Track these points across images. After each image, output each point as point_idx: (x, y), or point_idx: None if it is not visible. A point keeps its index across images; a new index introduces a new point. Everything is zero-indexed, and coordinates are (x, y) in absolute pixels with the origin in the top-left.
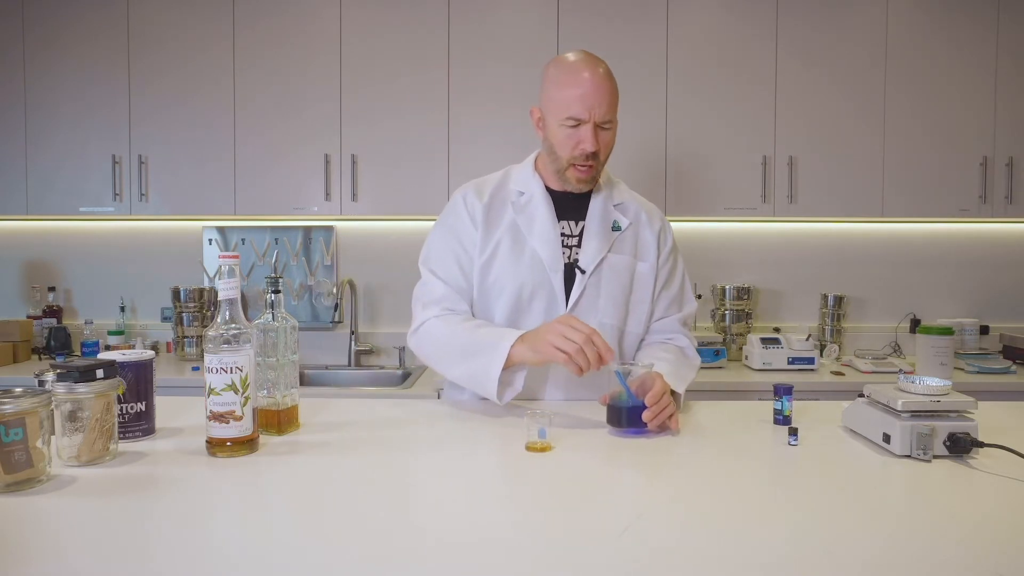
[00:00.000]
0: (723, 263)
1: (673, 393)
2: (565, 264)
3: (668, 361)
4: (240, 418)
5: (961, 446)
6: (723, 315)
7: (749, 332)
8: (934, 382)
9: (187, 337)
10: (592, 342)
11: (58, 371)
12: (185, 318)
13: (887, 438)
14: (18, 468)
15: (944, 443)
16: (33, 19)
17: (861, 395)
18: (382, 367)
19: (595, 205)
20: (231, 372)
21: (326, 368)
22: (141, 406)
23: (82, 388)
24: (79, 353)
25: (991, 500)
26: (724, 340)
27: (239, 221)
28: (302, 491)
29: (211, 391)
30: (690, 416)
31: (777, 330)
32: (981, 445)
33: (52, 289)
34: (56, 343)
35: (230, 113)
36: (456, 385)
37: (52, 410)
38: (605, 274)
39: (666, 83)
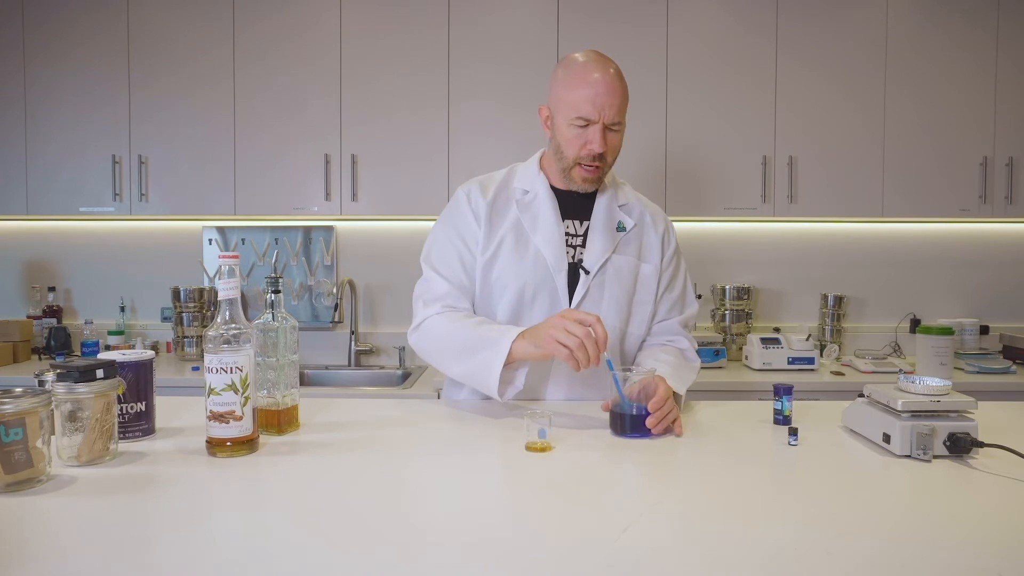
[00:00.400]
0: (723, 263)
1: (674, 395)
2: (569, 264)
3: (669, 363)
4: (240, 418)
5: (961, 446)
6: (723, 315)
7: (749, 332)
8: (934, 382)
9: (187, 337)
10: (592, 335)
11: (58, 371)
12: (185, 318)
13: (887, 438)
14: (18, 468)
15: (944, 443)
16: (33, 19)
17: (861, 395)
18: (382, 367)
19: (600, 205)
20: (231, 372)
21: (326, 368)
22: (141, 406)
23: (82, 388)
24: (79, 353)
25: (991, 500)
26: (724, 340)
27: (239, 221)
28: (302, 491)
29: (211, 391)
30: (690, 416)
31: (777, 330)
32: (981, 445)
33: (52, 289)
34: (56, 343)
35: (230, 113)
36: (455, 384)
37: (52, 410)
38: (609, 275)
39: (666, 83)
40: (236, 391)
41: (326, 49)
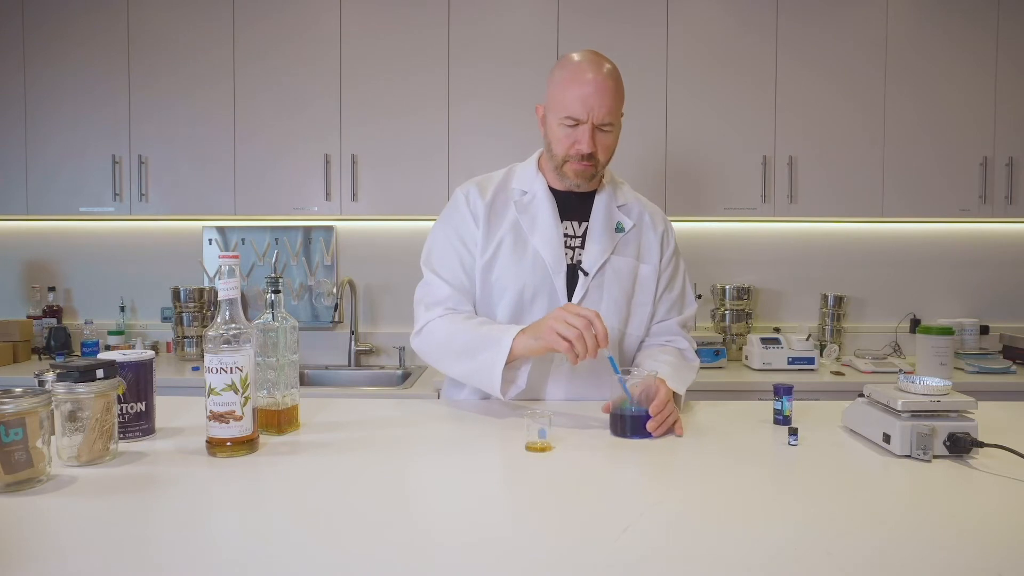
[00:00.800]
0: (723, 263)
1: (674, 395)
2: (568, 265)
3: (669, 364)
4: (240, 418)
5: (961, 446)
6: (723, 315)
7: (749, 332)
8: (934, 382)
9: (187, 337)
10: (592, 326)
11: (58, 371)
12: (185, 318)
13: (887, 438)
14: (18, 468)
15: (944, 443)
16: (33, 19)
17: (861, 395)
18: (382, 367)
19: (599, 206)
20: (231, 372)
21: (326, 368)
22: (141, 406)
23: (82, 388)
24: (79, 353)
25: (991, 500)
26: (724, 340)
27: (239, 221)
28: (302, 491)
29: (211, 391)
30: (690, 416)
31: (777, 330)
32: (981, 445)
33: (52, 289)
34: (56, 343)
35: (230, 113)
36: (455, 384)
37: (52, 410)
38: (608, 276)
39: (666, 83)
40: (236, 391)
41: (326, 49)
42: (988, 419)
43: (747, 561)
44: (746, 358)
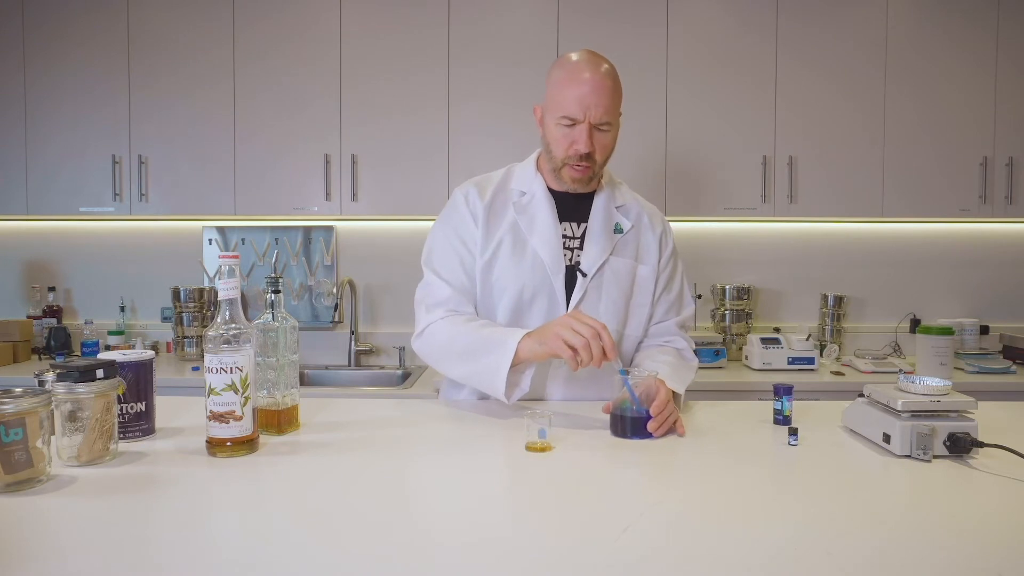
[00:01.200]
0: (723, 263)
1: (674, 395)
2: (566, 266)
3: (668, 364)
4: (240, 418)
5: (961, 446)
6: (723, 315)
7: (749, 332)
8: (934, 382)
9: (187, 337)
10: (600, 337)
11: (58, 371)
12: (185, 318)
13: (887, 438)
14: (18, 468)
15: (944, 443)
16: (33, 19)
17: (861, 395)
18: (382, 367)
19: (597, 207)
20: (231, 372)
21: (326, 368)
22: (141, 406)
23: (82, 388)
24: (79, 353)
25: (991, 500)
26: (724, 340)
27: (239, 221)
28: (302, 491)
29: (211, 391)
30: (690, 416)
31: (777, 330)
32: (981, 445)
33: (52, 289)
34: (56, 343)
35: (230, 113)
36: (454, 384)
37: (52, 410)
38: (606, 277)
39: (666, 83)
40: (236, 391)
41: (326, 49)
42: (988, 419)
43: (747, 561)
44: (746, 358)
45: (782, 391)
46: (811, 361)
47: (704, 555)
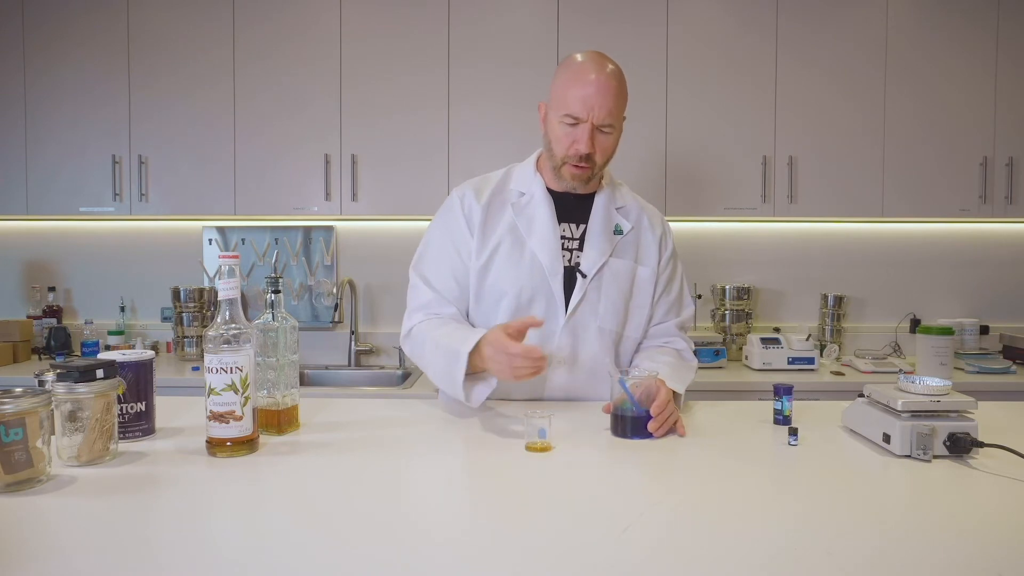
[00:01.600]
0: (723, 263)
1: (674, 395)
2: (565, 267)
3: (667, 364)
4: (240, 418)
5: (961, 446)
6: (723, 315)
7: (749, 332)
8: (934, 382)
9: (187, 337)
10: (537, 364)
11: (58, 371)
12: (185, 318)
13: (887, 438)
14: (18, 468)
15: (944, 443)
16: (33, 19)
17: (861, 395)
18: (382, 367)
19: (597, 208)
20: (231, 372)
21: (326, 368)
22: (141, 406)
23: (82, 388)
24: (79, 353)
25: (991, 500)
26: (724, 340)
27: (239, 221)
28: (302, 491)
29: (211, 391)
30: (690, 416)
31: (777, 330)
32: (981, 445)
33: (52, 289)
34: (56, 343)
35: (230, 113)
36: None
37: (52, 410)
38: (606, 278)
39: (666, 83)
40: (236, 391)
41: (326, 49)
42: (988, 419)
43: (747, 561)
44: (746, 358)
45: (782, 391)
46: (811, 361)
47: (704, 555)
